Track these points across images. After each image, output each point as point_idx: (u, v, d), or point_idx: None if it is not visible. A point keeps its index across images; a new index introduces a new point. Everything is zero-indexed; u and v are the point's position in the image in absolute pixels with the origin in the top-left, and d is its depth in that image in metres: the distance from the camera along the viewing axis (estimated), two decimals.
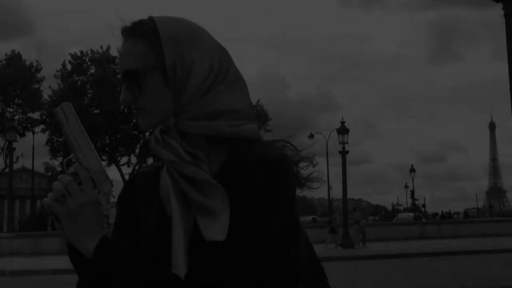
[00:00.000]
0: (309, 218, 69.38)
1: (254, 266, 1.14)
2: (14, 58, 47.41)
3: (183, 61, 1.25)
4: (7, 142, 29.74)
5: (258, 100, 48.37)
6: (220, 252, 1.13)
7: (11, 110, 47.80)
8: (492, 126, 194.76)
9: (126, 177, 45.91)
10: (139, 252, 1.21)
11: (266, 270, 1.16)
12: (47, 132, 43.98)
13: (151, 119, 1.28)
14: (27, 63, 47.90)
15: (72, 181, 1.20)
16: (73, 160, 1.25)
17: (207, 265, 1.14)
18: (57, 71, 44.24)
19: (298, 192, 1.28)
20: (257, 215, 1.16)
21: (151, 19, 1.30)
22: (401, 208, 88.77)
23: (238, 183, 1.19)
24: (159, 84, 1.26)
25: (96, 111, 42.98)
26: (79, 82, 43.64)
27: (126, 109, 43.51)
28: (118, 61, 1.22)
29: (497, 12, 7.91)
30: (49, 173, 56.83)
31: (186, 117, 1.25)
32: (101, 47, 44.33)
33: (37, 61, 48.41)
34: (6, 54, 47.80)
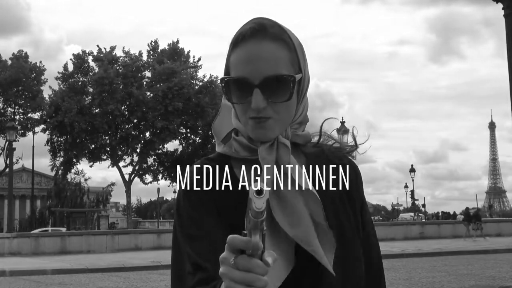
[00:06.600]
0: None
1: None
2: (21, 58, 47.31)
3: (306, 73, 1.26)
4: (7, 142, 29.71)
5: None
6: (377, 248, 1.37)
7: (12, 110, 47.79)
8: (492, 126, 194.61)
9: (126, 177, 45.89)
10: None
11: None
12: (47, 132, 43.97)
13: (277, 130, 1.21)
14: (31, 63, 47.86)
15: None
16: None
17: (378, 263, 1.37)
18: (59, 72, 44.23)
19: None
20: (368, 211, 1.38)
21: (276, 22, 1.23)
22: (401, 208, 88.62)
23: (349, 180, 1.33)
24: (295, 94, 1.22)
25: (97, 111, 42.92)
26: (80, 82, 43.61)
27: (126, 110, 43.54)
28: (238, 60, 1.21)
29: (498, 11, 7.89)
30: (54, 174, 56.63)
31: (294, 127, 1.27)
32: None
33: (40, 62, 48.41)
34: (12, 54, 47.75)
